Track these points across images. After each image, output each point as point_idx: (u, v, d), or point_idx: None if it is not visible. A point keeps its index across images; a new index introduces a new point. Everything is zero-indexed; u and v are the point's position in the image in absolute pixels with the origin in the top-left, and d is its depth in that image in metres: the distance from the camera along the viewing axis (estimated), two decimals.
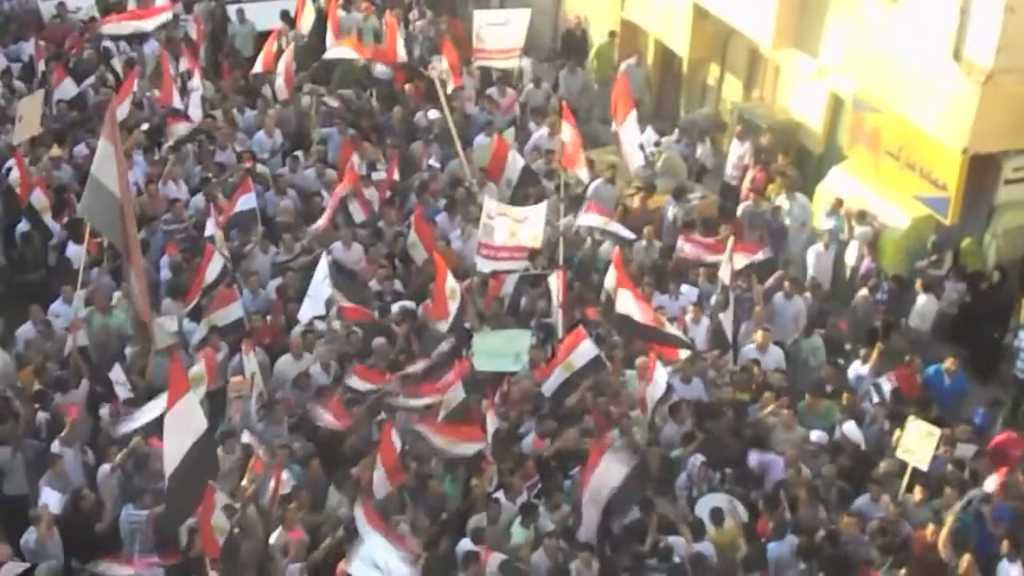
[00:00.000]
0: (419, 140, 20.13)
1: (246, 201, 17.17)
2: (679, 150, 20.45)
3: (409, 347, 15.48)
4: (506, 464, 13.61)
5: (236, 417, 14.03)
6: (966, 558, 12.60)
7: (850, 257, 17.99)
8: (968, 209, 17.43)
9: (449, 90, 20.41)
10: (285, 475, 13.02)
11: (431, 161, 19.55)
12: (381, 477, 12.93)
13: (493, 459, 13.54)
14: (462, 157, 19.28)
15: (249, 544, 12.61)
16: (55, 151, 19.10)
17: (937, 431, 13.45)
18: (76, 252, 16.53)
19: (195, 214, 17.80)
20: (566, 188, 18.21)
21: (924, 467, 13.43)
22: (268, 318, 15.87)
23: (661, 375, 14.38)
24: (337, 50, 21.45)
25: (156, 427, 12.65)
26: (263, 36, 22.74)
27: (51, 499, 12.74)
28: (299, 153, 19.63)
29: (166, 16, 22.60)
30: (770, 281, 17.00)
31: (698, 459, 13.71)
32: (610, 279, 15.78)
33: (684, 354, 15.03)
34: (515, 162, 18.71)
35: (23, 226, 17.52)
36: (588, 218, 17.33)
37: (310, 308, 15.34)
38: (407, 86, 21.76)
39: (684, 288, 16.74)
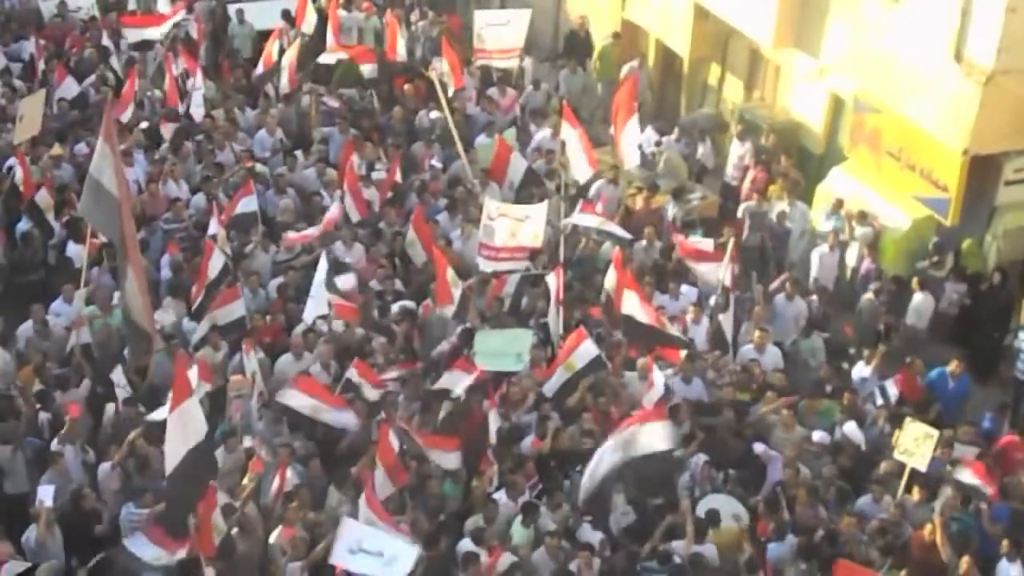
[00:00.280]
0: (420, 141, 20.14)
1: (247, 203, 17.15)
2: (679, 149, 20.46)
3: (409, 347, 15.50)
4: (506, 464, 13.61)
5: (236, 416, 14.03)
6: (965, 560, 12.60)
7: (850, 258, 18.00)
8: (968, 210, 17.44)
9: (451, 93, 20.40)
10: (289, 473, 13.03)
11: (433, 161, 19.55)
12: (382, 477, 12.93)
13: (494, 459, 13.54)
14: (464, 158, 19.28)
15: (248, 543, 12.62)
16: (56, 150, 19.11)
17: (935, 432, 13.44)
18: (76, 251, 16.55)
19: (195, 213, 17.81)
20: (567, 188, 18.21)
21: (923, 468, 13.43)
22: (268, 317, 15.87)
23: (659, 379, 14.40)
24: (331, 55, 21.55)
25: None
26: (262, 36, 22.78)
27: (46, 493, 12.70)
28: (298, 152, 19.64)
29: (180, 16, 22.65)
30: (775, 284, 17.01)
31: (701, 459, 13.73)
32: (610, 279, 15.81)
33: (685, 354, 15.04)
34: (518, 163, 18.72)
35: (23, 225, 17.52)
36: (582, 218, 17.28)
37: (314, 308, 15.35)
38: (406, 86, 21.77)
39: (684, 288, 16.73)
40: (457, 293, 15.52)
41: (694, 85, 22.74)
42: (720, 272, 15.98)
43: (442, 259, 15.67)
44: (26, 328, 15.55)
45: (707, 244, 17.04)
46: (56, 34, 23.22)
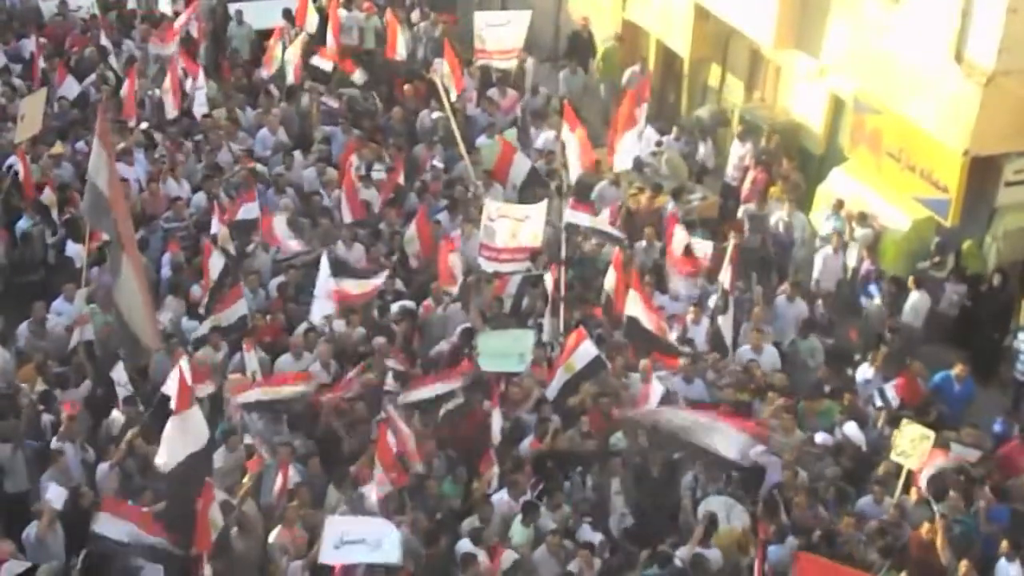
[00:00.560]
0: (421, 142, 20.13)
1: (248, 211, 17.07)
2: (679, 148, 20.46)
3: (409, 346, 15.49)
4: (507, 465, 13.60)
5: (236, 416, 14.02)
6: (964, 564, 12.57)
7: (851, 259, 17.99)
8: (968, 211, 17.44)
9: (453, 97, 20.40)
10: (291, 472, 13.03)
11: (435, 162, 19.55)
12: (382, 476, 12.93)
13: (495, 459, 13.54)
14: (466, 159, 19.28)
15: (247, 542, 12.62)
16: (56, 148, 19.11)
17: (931, 434, 13.41)
18: (76, 251, 16.54)
19: (196, 212, 17.80)
20: (568, 189, 18.19)
21: (922, 470, 13.42)
22: (268, 317, 15.87)
23: (657, 386, 14.38)
24: (323, 60, 21.65)
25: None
26: (261, 37, 22.76)
27: (54, 494, 12.71)
28: (297, 152, 19.63)
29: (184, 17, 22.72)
30: (781, 289, 17.01)
31: None
32: (610, 280, 15.80)
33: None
34: (521, 164, 18.71)
35: (23, 224, 17.52)
36: (575, 216, 17.22)
37: (318, 308, 15.35)
38: (406, 87, 21.77)
39: (684, 287, 16.71)
40: (459, 274, 15.85)
41: (695, 86, 22.74)
42: (699, 283, 16.23)
43: (444, 248, 16.04)
44: (26, 327, 15.54)
45: (706, 247, 17.04)
46: (56, 33, 23.19)
